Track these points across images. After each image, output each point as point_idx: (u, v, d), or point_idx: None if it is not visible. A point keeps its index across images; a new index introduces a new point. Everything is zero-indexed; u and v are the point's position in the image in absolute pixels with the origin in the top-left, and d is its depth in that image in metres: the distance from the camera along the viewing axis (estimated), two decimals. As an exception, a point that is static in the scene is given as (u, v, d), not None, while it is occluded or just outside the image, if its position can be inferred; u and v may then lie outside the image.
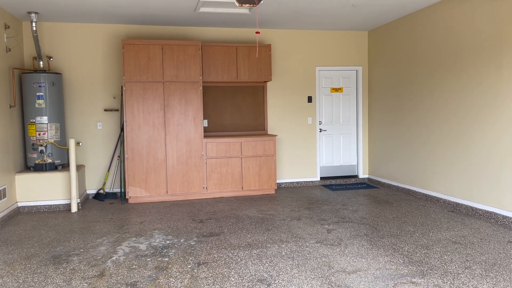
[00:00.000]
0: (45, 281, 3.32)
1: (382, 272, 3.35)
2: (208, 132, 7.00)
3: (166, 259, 3.75)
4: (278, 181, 7.29)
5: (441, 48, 5.63)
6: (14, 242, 4.34)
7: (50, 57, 6.31)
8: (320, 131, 7.50)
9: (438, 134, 5.73)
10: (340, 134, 7.62)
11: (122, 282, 3.25)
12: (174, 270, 3.49)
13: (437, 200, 5.78)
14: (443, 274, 3.28)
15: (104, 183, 6.59)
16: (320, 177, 7.56)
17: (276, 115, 7.26)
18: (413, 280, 3.18)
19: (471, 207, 5.14)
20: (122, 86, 6.55)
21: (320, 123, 7.50)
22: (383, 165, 7.15)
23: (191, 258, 3.77)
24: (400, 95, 6.61)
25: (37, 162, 5.81)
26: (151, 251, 3.97)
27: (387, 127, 7.01)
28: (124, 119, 6.08)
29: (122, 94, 6.40)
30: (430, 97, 5.88)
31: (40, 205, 5.74)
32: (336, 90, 7.55)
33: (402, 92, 6.54)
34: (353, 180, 7.59)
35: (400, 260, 3.60)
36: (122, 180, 6.41)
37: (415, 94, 6.21)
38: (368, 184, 7.36)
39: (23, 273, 3.50)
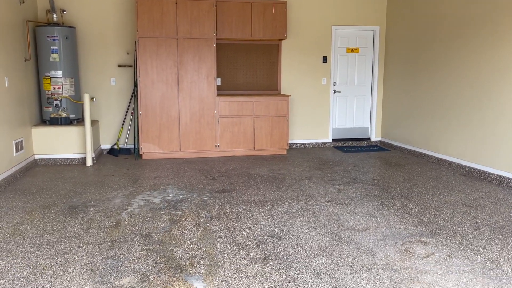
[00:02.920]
0: (64, 229, 3.44)
1: (391, 231, 3.40)
2: (221, 91, 6.97)
3: (180, 212, 3.85)
4: (290, 141, 7.30)
5: (463, 9, 5.43)
6: (32, 192, 4.48)
7: (63, 10, 6.24)
8: (334, 92, 7.42)
9: (454, 98, 5.64)
10: (354, 96, 7.53)
11: (137, 232, 3.36)
12: (187, 223, 3.58)
13: (449, 163, 5.76)
14: (451, 235, 3.32)
15: (118, 139, 6.67)
16: (332, 139, 7.55)
17: (290, 75, 7.18)
18: (421, 239, 3.23)
19: (483, 171, 5.12)
20: (135, 42, 6.50)
21: (335, 84, 7.40)
22: (396, 128, 7.09)
23: (203, 212, 3.86)
24: (417, 58, 6.46)
25: (52, 116, 5.88)
26: (165, 205, 4.07)
27: (402, 90, 6.90)
28: (138, 75, 6.07)
29: (135, 50, 6.36)
30: (449, 61, 5.73)
31: (56, 158, 5.86)
32: (352, 50, 7.40)
33: (420, 55, 6.38)
34: (365, 143, 7.57)
35: (409, 220, 3.64)
36: (136, 136, 6.48)
37: (434, 57, 6.06)
38: (380, 147, 7.34)
39: (42, 221, 3.63)
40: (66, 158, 5.89)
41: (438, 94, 5.98)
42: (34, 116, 5.89)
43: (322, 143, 7.41)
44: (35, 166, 5.72)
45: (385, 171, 5.55)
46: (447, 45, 5.76)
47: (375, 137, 7.64)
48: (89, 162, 5.79)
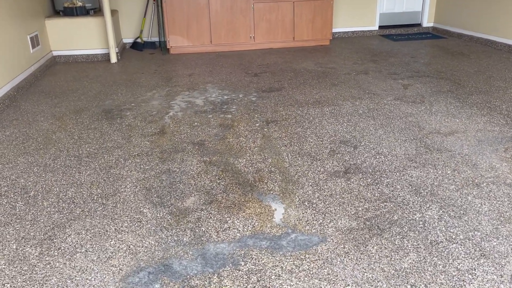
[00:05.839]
0: (102, 138, 3.01)
1: (485, 134, 2.88)
2: (253, -29, 6.00)
3: (229, 116, 3.36)
4: (333, 30, 6.47)
5: None
6: (58, 94, 4.00)
7: None
8: (384, -30, 6.37)
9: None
10: (406, -27, 6.47)
11: (187, 140, 2.92)
12: (242, 128, 3.11)
13: (524, 52, 5.01)
14: (561, 139, 2.80)
15: (141, 31, 5.97)
16: (379, 26, 6.68)
17: (334, -51, 6.09)
18: (526, 145, 2.72)
19: None
20: None
21: (385, -41, 6.31)
22: (453, 11, 6.17)
23: (256, 115, 3.36)
24: None
25: (66, 5, 5.15)
26: (210, 107, 3.57)
27: (468, -36, 5.82)
28: (159, -47, 5.15)
29: None
30: None
31: (76, 55, 5.27)
32: None
33: None
34: (415, 30, 6.71)
35: (501, 121, 3.10)
36: (161, 27, 5.76)
37: None
38: (434, 34, 6.50)
39: (76, 128, 3.20)
40: (87, 55, 5.30)
41: (518, -34, 4.97)
42: (46, 6, 5.16)
43: (368, 31, 6.58)
44: (54, 64, 5.17)
45: (449, 62, 4.85)
46: None
47: (427, 23, 6.73)
48: (113, 59, 5.20)
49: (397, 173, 2.40)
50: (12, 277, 1.69)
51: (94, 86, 4.27)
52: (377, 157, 2.60)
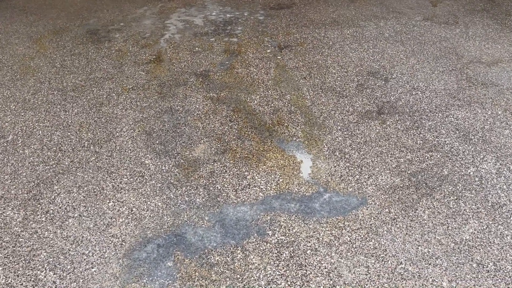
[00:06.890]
0: (89, 66, 2.58)
1: (534, 65, 2.50)
2: None
3: (235, 39, 2.90)
4: None
5: None
6: (33, 11, 3.44)
7: None
8: None
9: None
10: None
11: (189, 71, 2.50)
12: (251, 55, 2.67)
13: None
14: None
15: None
16: None
17: None
18: None
19: None
20: None
21: None
22: None
23: (266, 39, 2.90)
24: None
25: None
26: (212, 28, 3.08)
27: None
28: None
29: None
30: None
31: (51, -38, 4.55)
32: None
33: None
34: None
35: (550, 48, 2.70)
36: None
37: None
38: None
39: (57, 54, 2.74)
40: (64, -38, 4.57)
41: None
42: None
43: None
44: (27, -27, 4.47)
45: (479, -26, 4.26)
46: None
47: None
48: (94, -33, 4.49)
49: (440, 114, 2.05)
50: (-9, 251, 1.40)
51: (75, 0, 3.68)
52: (413, 93, 2.24)
